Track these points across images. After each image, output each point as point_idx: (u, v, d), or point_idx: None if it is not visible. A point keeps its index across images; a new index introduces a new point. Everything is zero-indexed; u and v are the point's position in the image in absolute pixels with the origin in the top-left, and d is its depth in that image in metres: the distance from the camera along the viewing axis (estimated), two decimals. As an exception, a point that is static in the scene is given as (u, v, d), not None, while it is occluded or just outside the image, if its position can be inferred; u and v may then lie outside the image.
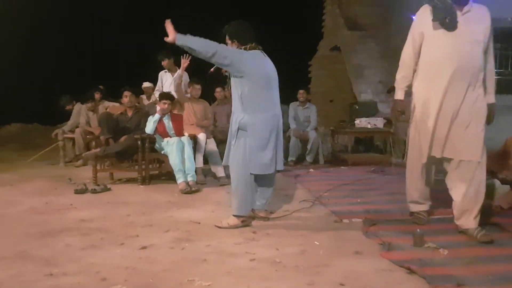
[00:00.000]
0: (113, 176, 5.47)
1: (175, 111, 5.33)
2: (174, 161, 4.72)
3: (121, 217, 3.62)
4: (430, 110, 2.96)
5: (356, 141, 7.21)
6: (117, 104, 6.41)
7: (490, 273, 2.32)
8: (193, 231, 3.19)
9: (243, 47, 3.29)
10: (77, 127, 7.08)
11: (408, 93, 3.21)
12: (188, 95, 5.70)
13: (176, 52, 4.41)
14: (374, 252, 2.67)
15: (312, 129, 6.68)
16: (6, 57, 9.91)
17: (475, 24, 2.90)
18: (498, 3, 2.98)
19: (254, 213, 3.49)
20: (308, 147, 6.53)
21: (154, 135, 5.05)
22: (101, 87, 7.39)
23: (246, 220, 3.33)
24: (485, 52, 2.95)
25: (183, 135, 5.04)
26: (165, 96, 5.18)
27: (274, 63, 3.43)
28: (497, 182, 3.64)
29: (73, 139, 7.03)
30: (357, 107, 7.45)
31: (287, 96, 6.11)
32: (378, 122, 6.49)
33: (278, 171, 3.52)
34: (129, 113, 5.43)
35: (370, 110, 7.14)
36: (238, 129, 3.24)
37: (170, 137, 5.03)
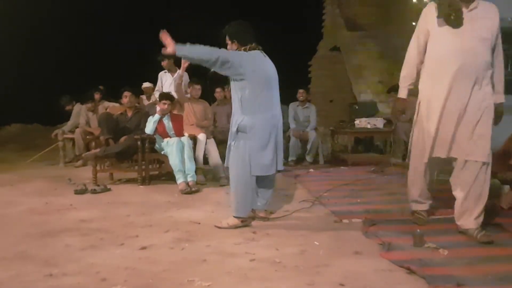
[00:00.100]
0: (113, 176, 5.47)
1: (175, 112, 5.33)
2: (174, 161, 4.72)
3: (121, 217, 3.61)
4: (434, 108, 2.92)
5: (356, 141, 7.21)
6: (117, 105, 6.41)
7: (490, 273, 2.32)
8: (193, 231, 3.18)
9: (243, 47, 3.28)
10: (77, 127, 7.08)
11: (411, 92, 3.19)
12: (188, 96, 5.70)
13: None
14: (374, 252, 2.67)
15: (311, 129, 6.68)
16: (6, 57, 9.90)
17: (482, 21, 2.84)
18: (498, 3, 2.94)
19: (254, 213, 3.49)
20: (308, 147, 6.53)
21: (154, 136, 5.05)
22: (101, 87, 7.39)
23: (246, 220, 3.33)
24: (493, 50, 2.88)
25: (183, 136, 5.04)
26: (165, 96, 5.18)
27: (274, 63, 3.42)
28: (506, 187, 3.63)
29: (73, 140, 7.04)
30: (357, 107, 7.45)
31: (287, 96, 6.11)
32: (378, 122, 6.49)
33: (278, 171, 3.52)
34: (129, 114, 5.43)
35: (369, 110, 7.14)
36: (238, 131, 3.24)
37: (170, 137, 5.04)
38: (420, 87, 3.09)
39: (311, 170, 5.91)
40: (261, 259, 2.58)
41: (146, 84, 7.39)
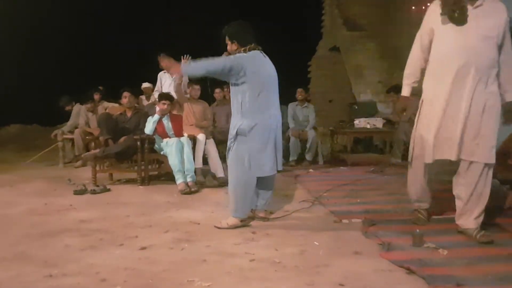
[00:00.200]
0: (113, 176, 5.46)
1: (175, 112, 5.33)
2: (173, 161, 4.72)
3: (120, 217, 3.61)
4: (436, 108, 2.87)
5: (355, 141, 7.21)
6: (116, 105, 6.41)
7: (490, 273, 2.32)
8: (192, 231, 3.18)
9: (243, 48, 3.28)
10: (76, 128, 7.08)
11: (412, 91, 3.16)
12: (188, 96, 5.70)
13: (176, 53, 4.41)
14: (374, 252, 2.67)
15: (310, 127, 6.68)
16: (6, 57, 9.90)
17: (487, 19, 2.76)
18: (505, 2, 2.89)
19: (253, 213, 3.49)
20: (307, 145, 6.54)
21: (153, 136, 5.05)
22: (100, 87, 7.39)
23: (245, 220, 3.33)
24: (500, 48, 2.79)
25: (183, 136, 5.04)
26: (164, 96, 5.18)
27: (273, 63, 3.42)
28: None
29: (72, 140, 7.04)
30: (356, 107, 7.45)
31: (286, 96, 6.11)
32: (377, 122, 6.49)
33: (278, 171, 3.52)
34: (129, 114, 5.42)
35: (369, 110, 7.13)
36: (237, 134, 3.24)
37: (170, 137, 5.03)
38: (423, 86, 3.04)
39: (311, 170, 5.91)
40: (260, 259, 2.58)
41: (145, 85, 7.39)
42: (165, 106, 5.07)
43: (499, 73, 2.82)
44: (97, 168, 5.11)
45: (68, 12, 11.94)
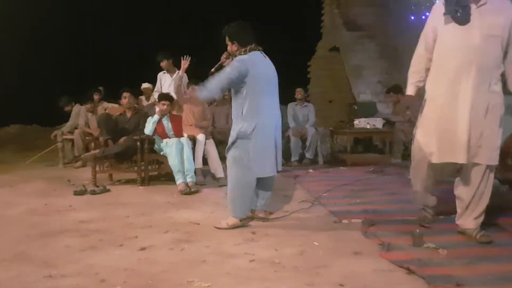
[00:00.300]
0: (112, 177, 5.46)
1: (174, 112, 5.33)
2: (173, 162, 4.72)
3: (120, 218, 3.61)
4: (437, 107, 2.84)
5: (355, 142, 7.21)
6: (116, 105, 6.42)
7: (489, 273, 2.32)
8: (192, 232, 3.18)
9: (243, 48, 3.28)
10: (76, 128, 7.08)
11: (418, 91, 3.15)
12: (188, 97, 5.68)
13: (175, 53, 4.42)
14: (374, 253, 2.67)
15: (310, 125, 6.68)
16: (6, 57, 9.90)
17: (492, 18, 2.70)
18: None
19: (253, 213, 3.49)
20: (307, 143, 6.54)
21: (153, 136, 5.05)
22: (100, 88, 7.39)
23: (245, 220, 3.33)
24: (506, 48, 2.75)
25: (182, 136, 5.04)
26: (164, 97, 5.18)
27: (273, 63, 3.42)
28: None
29: (72, 140, 7.03)
30: (356, 107, 7.46)
31: (286, 96, 6.11)
32: (377, 123, 6.49)
33: (278, 172, 3.52)
34: (128, 114, 5.42)
35: (369, 110, 7.14)
36: (237, 138, 3.24)
37: (169, 138, 5.04)
38: (426, 86, 3.01)
39: (311, 170, 5.91)
40: (260, 259, 2.58)
41: (145, 85, 7.38)
42: (165, 107, 5.07)
43: (503, 73, 2.78)
44: (97, 168, 5.11)
45: (68, 12, 11.93)
